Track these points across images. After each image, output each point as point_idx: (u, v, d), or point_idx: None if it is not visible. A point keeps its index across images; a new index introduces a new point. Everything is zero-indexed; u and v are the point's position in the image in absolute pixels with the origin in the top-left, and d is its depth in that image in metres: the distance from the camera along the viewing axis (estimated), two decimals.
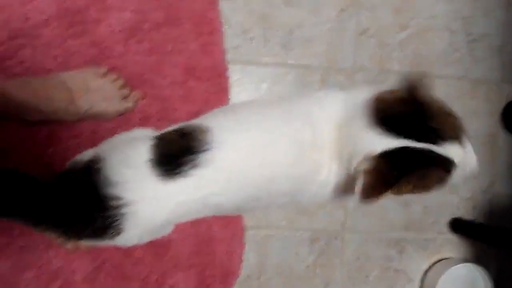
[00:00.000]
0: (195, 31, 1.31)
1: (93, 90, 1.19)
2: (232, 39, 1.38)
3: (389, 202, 1.51)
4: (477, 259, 1.58)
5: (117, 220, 0.83)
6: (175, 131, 0.89)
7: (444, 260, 1.56)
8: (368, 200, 0.80)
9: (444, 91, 1.54)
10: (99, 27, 1.24)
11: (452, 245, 1.59)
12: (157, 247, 1.31)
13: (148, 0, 1.27)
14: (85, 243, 1.21)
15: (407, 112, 0.83)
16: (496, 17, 1.60)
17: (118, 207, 0.82)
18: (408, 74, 0.85)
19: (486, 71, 1.59)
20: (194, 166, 0.82)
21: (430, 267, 1.57)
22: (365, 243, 1.51)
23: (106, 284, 1.28)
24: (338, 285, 1.50)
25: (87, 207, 0.82)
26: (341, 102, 0.92)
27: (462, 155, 0.85)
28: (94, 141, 1.21)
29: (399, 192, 0.83)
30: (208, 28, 1.32)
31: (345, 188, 0.92)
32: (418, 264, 1.57)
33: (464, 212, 1.59)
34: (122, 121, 1.27)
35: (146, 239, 0.97)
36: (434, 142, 0.81)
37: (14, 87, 1.05)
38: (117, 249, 1.28)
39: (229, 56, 1.37)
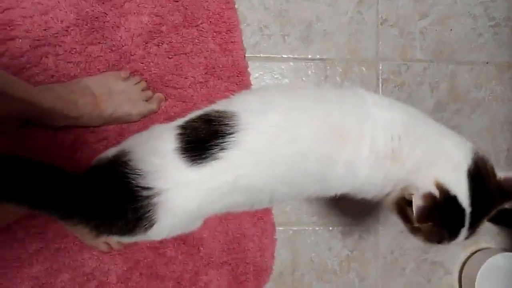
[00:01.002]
0: (213, 30, 1.28)
1: (116, 94, 1.17)
2: (250, 37, 1.35)
3: None
4: None
5: (149, 210, 0.80)
6: (199, 118, 0.86)
7: (482, 250, 1.47)
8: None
9: (470, 78, 1.49)
10: (118, 32, 1.23)
11: (490, 235, 1.51)
12: (189, 246, 1.28)
13: (165, 3, 1.25)
14: (118, 241, 1.19)
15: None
16: None
17: (149, 197, 0.79)
18: None
19: (511, 55, 1.50)
20: (222, 149, 0.80)
21: (468, 258, 1.49)
22: (399, 236, 1.44)
23: (140, 283, 1.25)
24: (373, 279, 1.44)
25: (117, 199, 0.79)
26: (412, 125, 0.92)
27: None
28: None
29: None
30: (225, 26, 1.29)
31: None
32: (455, 255, 1.49)
33: None
34: (147, 123, 1.25)
35: (177, 231, 0.93)
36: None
37: (39, 94, 1.04)
38: (150, 249, 1.26)
39: (248, 53, 1.34)
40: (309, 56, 1.38)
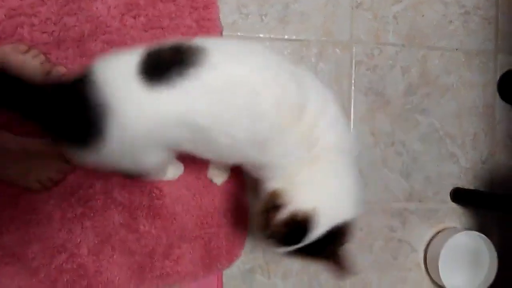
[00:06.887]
0: (190, 6, 1.22)
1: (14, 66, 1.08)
2: (228, 15, 1.29)
3: (390, 173, 1.37)
4: (480, 228, 1.47)
5: (99, 119, 0.76)
6: (169, 45, 0.81)
7: (447, 229, 1.43)
8: None
9: (440, 63, 1.45)
10: (94, 4, 1.16)
11: (455, 215, 1.47)
12: (162, 220, 1.22)
13: None
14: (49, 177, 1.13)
15: None
16: None
17: (100, 106, 0.76)
18: None
19: (480, 43, 1.49)
20: (181, 77, 0.75)
21: (433, 237, 1.45)
22: (368, 214, 1.40)
23: (113, 257, 1.18)
24: None
25: (72, 105, 0.78)
26: None
27: None
28: None
29: None
30: (202, 3, 1.23)
31: None
32: (421, 234, 1.46)
33: (465, 182, 1.48)
34: None
35: (130, 156, 0.87)
36: None
37: None
38: (122, 226, 1.19)
39: (225, 32, 1.28)
40: (286, 37, 1.32)
